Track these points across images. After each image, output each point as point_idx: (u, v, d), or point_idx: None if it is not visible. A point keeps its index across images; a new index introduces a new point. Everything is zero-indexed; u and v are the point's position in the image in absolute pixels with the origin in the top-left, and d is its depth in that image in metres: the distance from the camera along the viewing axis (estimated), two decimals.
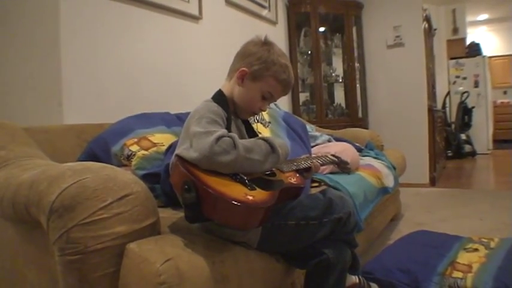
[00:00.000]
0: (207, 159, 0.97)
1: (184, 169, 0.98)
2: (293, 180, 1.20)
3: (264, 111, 1.31)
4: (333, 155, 1.54)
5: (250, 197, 0.98)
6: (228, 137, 1.01)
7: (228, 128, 1.16)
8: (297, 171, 1.29)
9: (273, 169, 1.20)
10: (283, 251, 1.19)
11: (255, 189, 1.03)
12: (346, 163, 1.53)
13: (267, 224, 1.09)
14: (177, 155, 1.03)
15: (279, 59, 1.23)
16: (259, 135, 1.32)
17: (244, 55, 1.25)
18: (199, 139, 1.00)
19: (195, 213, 0.97)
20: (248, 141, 1.08)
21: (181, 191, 0.96)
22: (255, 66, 1.22)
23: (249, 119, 1.38)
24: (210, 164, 0.99)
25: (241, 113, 1.29)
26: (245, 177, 1.06)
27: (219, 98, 1.22)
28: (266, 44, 1.26)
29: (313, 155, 1.49)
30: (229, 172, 1.02)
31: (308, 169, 1.33)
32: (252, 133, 1.34)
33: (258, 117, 2.18)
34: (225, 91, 1.25)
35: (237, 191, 0.98)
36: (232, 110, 1.24)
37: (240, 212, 0.96)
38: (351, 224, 1.22)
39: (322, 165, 1.42)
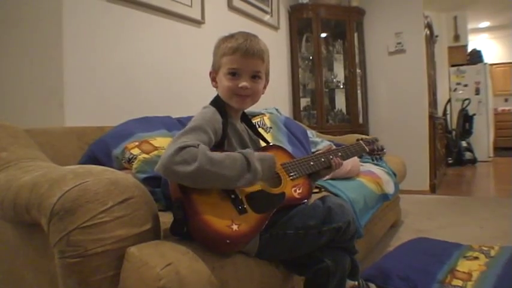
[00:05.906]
0: (166, 169, 0.94)
1: (176, 185, 0.99)
2: (297, 193, 1.18)
3: (245, 88, 1.17)
4: (362, 140, 1.48)
5: (235, 227, 0.97)
6: (195, 147, 0.97)
7: (224, 133, 1.16)
8: (310, 175, 1.26)
9: (280, 174, 1.19)
10: (283, 259, 1.19)
11: (246, 213, 1.03)
12: (380, 148, 1.50)
13: (265, 234, 1.09)
14: None
15: (224, 39, 1.21)
16: (261, 145, 1.32)
17: None
18: (167, 148, 0.98)
19: (181, 229, 0.98)
20: (221, 155, 1.00)
21: (173, 206, 0.99)
22: (213, 62, 1.25)
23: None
24: (169, 174, 0.95)
25: (232, 103, 1.21)
26: (240, 196, 1.04)
27: (216, 102, 1.22)
28: (222, 38, 1.23)
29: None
30: (194, 185, 0.97)
31: (328, 166, 1.31)
32: (256, 137, 1.33)
33: (259, 123, 2.18)
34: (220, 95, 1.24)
35: (221, 219, 0.97)
36: (230, 114, 1.22)
37: (220, 242, 0.97)
38: (351, 232, 1.20)
39: (345, 158, 1.38)
